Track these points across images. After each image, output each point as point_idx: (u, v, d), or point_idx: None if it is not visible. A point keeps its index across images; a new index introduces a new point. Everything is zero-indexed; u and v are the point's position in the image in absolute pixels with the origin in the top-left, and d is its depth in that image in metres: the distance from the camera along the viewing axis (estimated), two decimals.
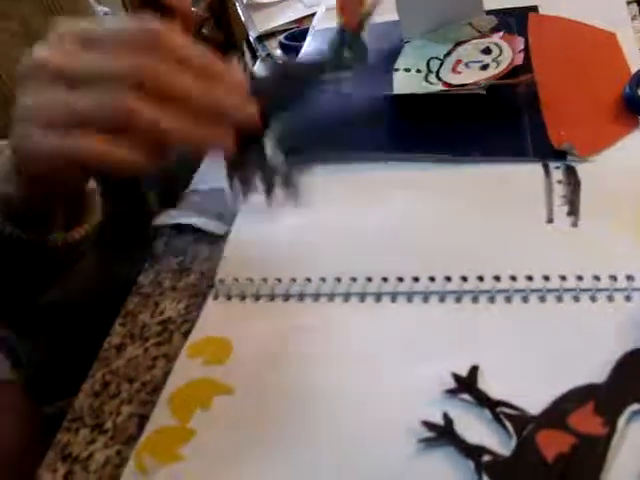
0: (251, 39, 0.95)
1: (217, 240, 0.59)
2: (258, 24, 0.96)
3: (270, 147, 0.52)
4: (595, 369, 0.42)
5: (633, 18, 0.74)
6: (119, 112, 0.49)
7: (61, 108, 0.51)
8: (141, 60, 0.50)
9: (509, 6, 0.79)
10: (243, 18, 0.98)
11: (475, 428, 0.41)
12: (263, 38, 0.94)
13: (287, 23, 0.96)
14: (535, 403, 0.41)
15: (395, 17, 0.76)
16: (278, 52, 0.89)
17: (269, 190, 0.51)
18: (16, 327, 0.72)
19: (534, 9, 0.78)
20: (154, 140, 0.51)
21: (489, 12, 0.74)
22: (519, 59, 0.66)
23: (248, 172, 0.52)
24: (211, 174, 0.69)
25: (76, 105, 0.50)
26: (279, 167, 0.51)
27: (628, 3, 0.76)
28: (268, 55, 0.91)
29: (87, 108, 0.50)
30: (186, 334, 0.52)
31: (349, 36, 0.60)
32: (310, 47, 0.83)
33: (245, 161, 0.52)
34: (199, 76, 0.53)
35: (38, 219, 0.57)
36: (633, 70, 0.65)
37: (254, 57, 0.92)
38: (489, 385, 0.43)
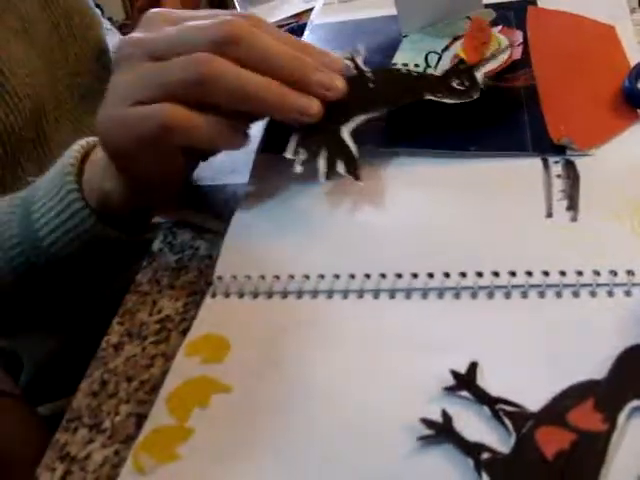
0: None
1: (216, 237, 0.59)
2: None
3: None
4: (595, 365, 0.42)
5: (632, 11, 0.73)
6: (203, 73, 0.51)
7: (148, 80, 0.52)
8: (228, 24, 0.52)
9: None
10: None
11: (474, 425, 0.41)
12: None
13: (285, 18, 0.95)
14: (534, 400, 0.41)
15: (393, 12, 0.76)
16: None
17: (331, 165, 0.56)
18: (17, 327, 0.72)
19: (533, 2, 0.78)
20: (240, 105, 0.53)
21: (487, 5, 0.73)
22: (517, 53, 0.65)
23: (316, 144, 0.57)
24: (210, 171, 0.69)
25: (162, 74, 0.52)
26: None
27: None
28: None
29: (172, 75, 0.51)
30: (184, 332, 0.51)
31: (465, 66, 0.62)
32: (309, 41, 0.83)
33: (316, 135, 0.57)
34: (289, 44, 0.55)
35: (137, 218, 0.61)
36: (632, 63, 0.64)
37: None
38: (488, 382, 0.43)
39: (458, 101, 0.60)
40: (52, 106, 0.85)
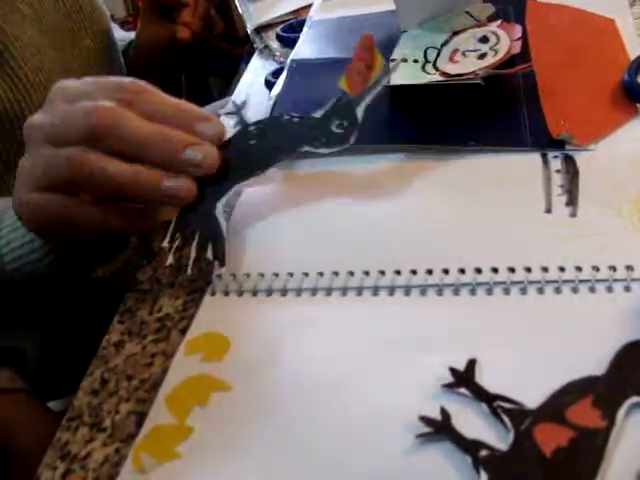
0: (248, 31, 0.95)
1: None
2: (256, 16, 0.95)
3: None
4: (594, 361, 0.42)
5: (632, 4, 0.73)
6: (73, 171, 0.53)
7: (39, 170, 0.54)
8: (95, 114, 0.52)
9: None
10: (240, 10, 0.97)
11: (473, 422, 0.41)
12: (261, 30, 0.94)
13: (284, 14, 0.95)
14: (533, 397, 0.41)
15: (392, 7, 0.76)
16: (275, 44, 0.88)
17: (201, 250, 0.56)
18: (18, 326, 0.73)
19: None
20: (115, 196, 0.54)
21: (486, 0, 0.73)
22: (516, 47, 0.65)
23: (190, 228, 0.56)
24: None
25: (47, 164, 0.54)
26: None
27: None
28: (265, 47, 0.91)
29: (53, 168, 0.54)
30: (184, 331, 0.51)
31: (345, 102, 0.59)
32: (307, 37, 0.83)
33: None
34: (162, 115, 0.55)
35: (83, 256, 0.61)
36: (632, 57, 0.64)
37: (252, 50, 0.92)
38: (487, 379, 0.43)
39: (333, 150, 0.57)
40: None
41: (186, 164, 0.54)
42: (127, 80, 0.55)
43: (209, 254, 0.55)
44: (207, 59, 1.32)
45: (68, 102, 0.54)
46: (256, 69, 0.88)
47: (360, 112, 0.57)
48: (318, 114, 0.58)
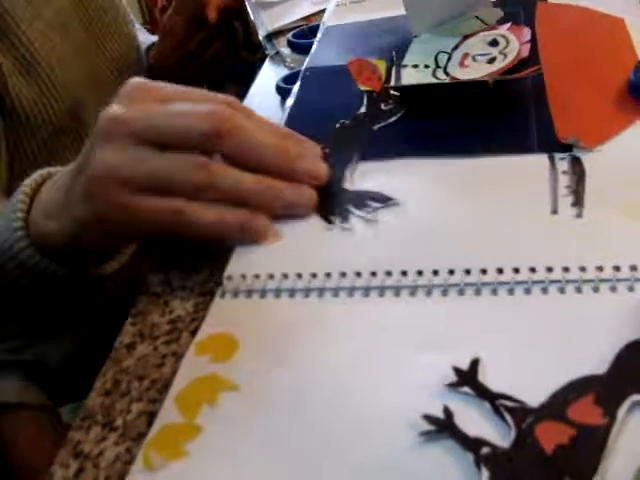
0: (260, 38, 0.96)
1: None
2: (267, 22, 0.96)
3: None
4: (597, 360, 0.42)
5: None
6: (200, 178, 0.52)
7: (147, 170, 0.53)
8: (218, 116, 0.52)
9: None
10: (252, 17, 0.98)
11: (475, 421, 0.41)
12: (272, 37, 0.95)
13: (296, 21, 0.96)
14: (536, 395, 0.41)
15: (403, 12, 0.76)
16: (287, 51, 0.89)
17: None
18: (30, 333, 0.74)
19: None
20: (234, 201, 0.54)
21: (498, 3, 0.74)
22: (525, 51, 0.66)
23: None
24: None
25: (161, 166, 0.52)
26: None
27: None
28: (277, 53, 0.91)
29: (169, 170, 0.52)
30: (194, 332, 0.52)
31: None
32: (321, 44, 0.84)
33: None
34: (272, 132, 0.55)
35: (76, 255, 0.60)
36: None
37: (264, 56, 0.93)
38: (490, 378, 0.43)
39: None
40: (92, 99, 0.87)
41: (304, 173, 0.56)
42: (220, 98, 0.56)
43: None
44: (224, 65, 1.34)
45: (162, 103, 0.54)
46: (267, 75, 0.89)
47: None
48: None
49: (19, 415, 0.66)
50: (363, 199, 0.58)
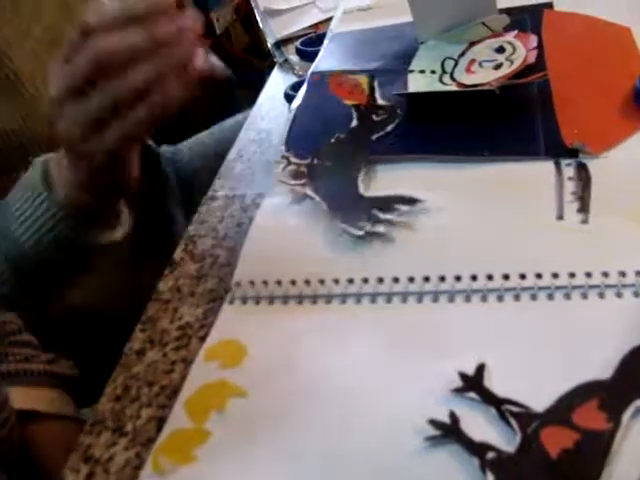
0: (269, 45, 0.96)
1: (235, 245, 0.60)
2: (276, 30, 0.97)
3: None
4: (602, 366, 0.43)
5: None
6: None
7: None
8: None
9: (525, 3, 0.79)
10: (261, 25, 0.99)
11: (481, 426, 0.42)
12: (280, 44, 0.95)
13: (304, 28, 0.97)
14: (541, 400, 0.41)
15: (410, 18, 0.77)
16: (295, 58, 0.90)
17: None
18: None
19: (549, 5, 0.78)
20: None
21: (504, 10, 0.74)
22: (532, 57, 0.66)
23: None
24: (230, 180, 0.71)
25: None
26: None
27: None
28: (285, 61, 0.92)
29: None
30: (203, 338, 0.53)
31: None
32: (328, 50, 0.84)
33: None
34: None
35: (84, 217, 0.64)
36: None
37: (264, 66, 0.93)
38: (496, 383, 0.43)
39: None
40: None
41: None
42: None
43: None
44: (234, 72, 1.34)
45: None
46: (276, 83, 0.89)
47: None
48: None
49: (51, 426, 0.67)
50: (389, 203, 0.58)
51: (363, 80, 0.70)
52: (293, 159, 0.65)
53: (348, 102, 0.70)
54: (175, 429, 0.46)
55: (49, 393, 0.68)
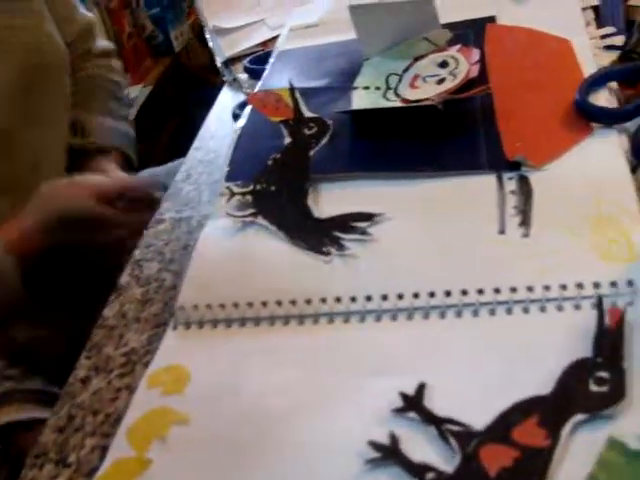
0: (218, 64, 0.96)
1: (182, 269, 0.60)
2: (225, 49, 0.96)
3: None
4: (543, 381, 0.43)
5: (588, 24, 0.75)
6: None
7: None
8: None
9: (467, 18, 0.80)
10: (211, 43, 0.98)
11: (421, 446, 0.41)
12: (229, 63, 0.95)
13: (253, 47, 0.97)
14: (482, 418, 0.41)
15: (354, 36, 0.77)
16: (244, 76, 0.90)
17: None
18: None
19: (492, 19, 0.79)
20: None
21: (447, 25, 0.74)
22: (474, 71, 0.66)
23: None
24: (176, 203, 0.70)
25: None
26: None
27: (583, 9, 0.77)
28: (234, 80, 0.92)
29: None
30: (148, 364, 0.52)
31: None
32: (274, 68, 0.84)
33: None
34: None
35: None
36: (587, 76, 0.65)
37: (222, 82, 0.93)
38: (437, 402, 0.43)
39: None
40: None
41: None
42: None
43: None
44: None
45: None
46: (225, 101, 0.89)
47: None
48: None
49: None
50: (347, 222, 0.58)
51: (285, 93, 0.70)
52: (236, 189, 0.64)
53: (275, 119, 0.69)
54: (117, 458, 0.46)
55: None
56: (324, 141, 0.66)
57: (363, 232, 0.56)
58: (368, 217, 0.57)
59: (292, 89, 0.69)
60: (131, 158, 1.02)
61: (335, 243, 0.56)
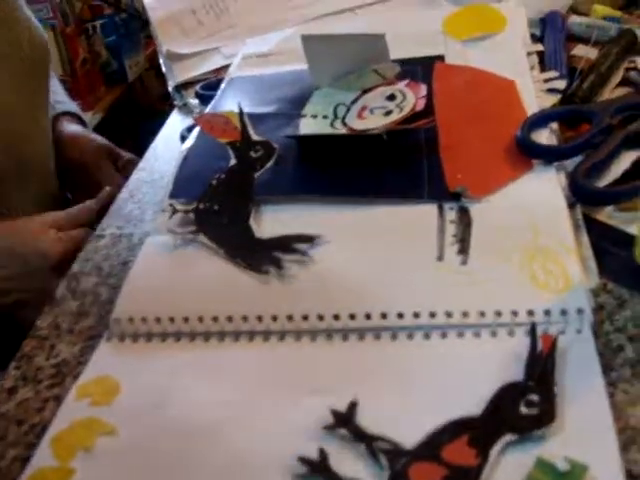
0: (169, 89, 0.96)
1: (119, 283, 0.59)
2: (177, 74, 0.97)
3: None
4: (475, 402, 0.43)
5: (532, 68, 0.77)
6: None
7: None
8: None
9: (417, 55, 0.82)
10: (164, 68, 0.99)
11: (351, 463, 0.41)
12: (181, 88, 0.95)
13: (205, 73, 0.97)
14: (412, 437, 0.42)
15: (305, 65, 0.78)
16: (194, 101, 0.90)
17: None
18: None
19: (441, 58, 0.81)
20: None
21: (397, 61, 0.76)
22: (420, 105, 0.68)
23: None
24: (118, 219, 0.70)
25: None
26: None
27: (528, 54, 0.79)
28: (185, 105, 0.92)
29: None
30: (78, 376, 0.51)
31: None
32: (224, 94, 0.85)
33: None
34: None
35: None
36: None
37: (171, 106, 0.93)
38: (370, 421, 0.43)
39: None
40: None
41: None
42: None
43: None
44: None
45: None
46: (174, 125, 0.89)
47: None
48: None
49: None
50: (288, 243, 0.58)
51: (233, 116, 0.70)
52: (179, 206, 0.64)
53: (223, 140, 0.69)
54: (38, 468, 0.45)
55: None
56: (269, 164, 0.67)
57: (303, 253, 0.57)
58: (309, 239, 0.58)
59: (241, 112, 0.70)
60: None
61: (275, 263, 0.56)
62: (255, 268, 0.56)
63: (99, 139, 1.04)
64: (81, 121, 1.11)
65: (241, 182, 0.65)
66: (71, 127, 1.05)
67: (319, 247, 0.57)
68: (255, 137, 0.69)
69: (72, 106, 1.13)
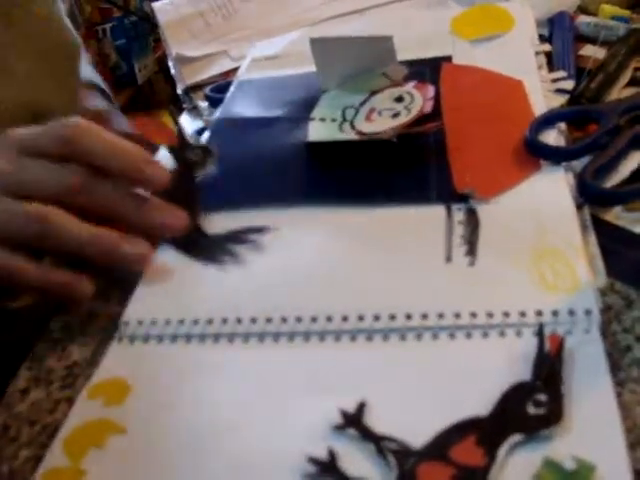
0: (178, 92, 0.97)
1: (131, 285, 0.60)
2: (186, 77, 0.97)
3: None
4: (482, 403, 0.43)
5: (540, 68, 0.77)
6: (35, 226, 0.54)
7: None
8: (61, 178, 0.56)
9: (425, 56, 0.82)
10: (173, 71, 0.99)
11: (359, 463, 0.42)
12: (190, 90, 0.96)
13: (214, 76, 0.97)
14: (421, 437, 0.42)
15: (313, 68, 0.78)
16: (204, 104, 0.90)
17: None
18: None
19: (448, 59, 0.81)
20: (71, 251, 0.56)
21: (405, 62, 0.76)
22: (428, 107, 0.68)
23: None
24: None
25: (4, 221, 0.54)
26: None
27: (536, 54, 0.79)
28: (194, 107, 0.92)
29: (3, 221, 0.54)
30: (90, 378, 0.52)
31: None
32: (233, 97, 0.85)
33: None
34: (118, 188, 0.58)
35: None
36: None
37: (181, 110, 0.93)
38: (378, 421, 0.44)
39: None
40: None
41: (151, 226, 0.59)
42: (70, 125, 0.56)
43: None
44: None
45: (26, 155, 0.56)
46: (183, 128, 0.89)
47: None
48: None
49: None
50: (239, 235, 0.60)
51: (166, 119, 0.71)
52: None
53: (160, 143, 0.70)
54: (50, 468, 0.45)
55: None
56: (213, 166, 0.68)
57: (254, 243, 0.59)
58: (258, 230, 0.60)
59: (172, 112, 0.71)
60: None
61: (229, 254, 0.59)
62: (212, 262, 0.59)
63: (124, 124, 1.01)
64: (105, 94, 1.08)
65: (182, 185, 0.65)
66: (96, 102, 1.02)
67: (324, 250, 0.58)
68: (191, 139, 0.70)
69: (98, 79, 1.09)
